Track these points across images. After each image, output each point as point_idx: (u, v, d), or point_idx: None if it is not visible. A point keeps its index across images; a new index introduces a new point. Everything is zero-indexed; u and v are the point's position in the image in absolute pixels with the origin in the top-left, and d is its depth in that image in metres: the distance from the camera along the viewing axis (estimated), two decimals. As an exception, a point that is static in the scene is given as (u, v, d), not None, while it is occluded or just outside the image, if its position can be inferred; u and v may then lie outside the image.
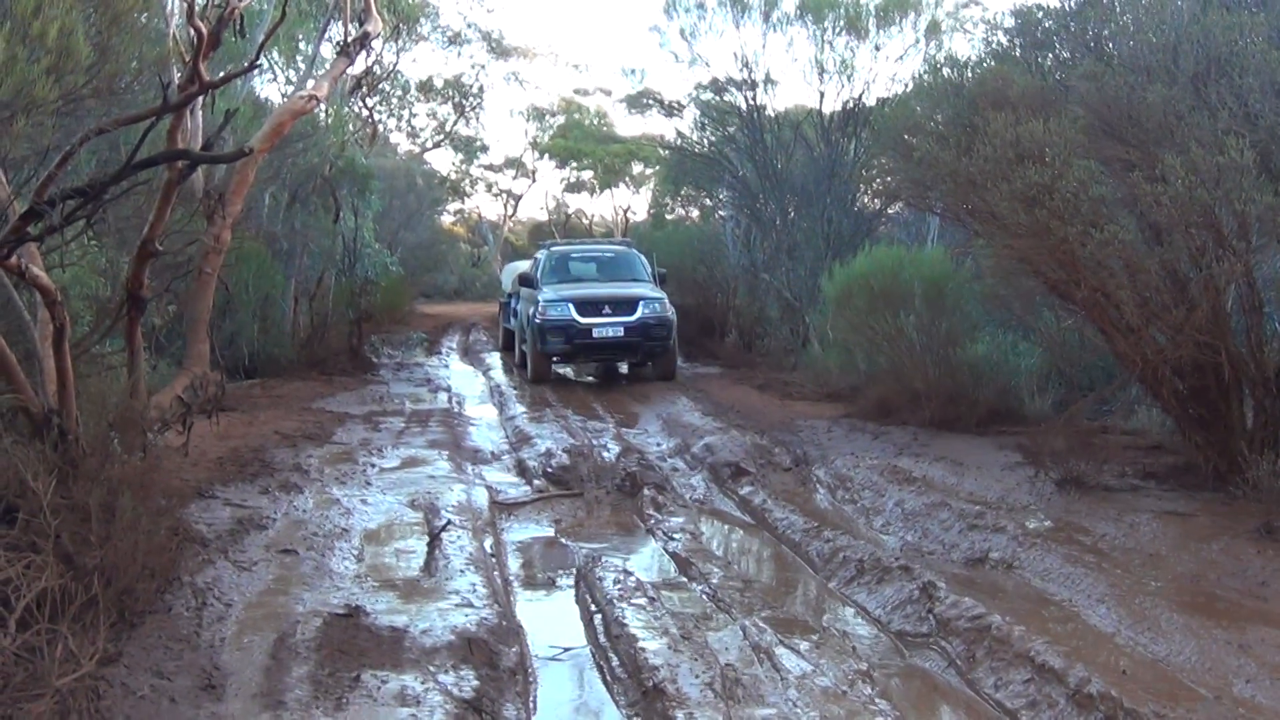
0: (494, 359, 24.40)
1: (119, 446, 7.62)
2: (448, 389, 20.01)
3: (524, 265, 26.61)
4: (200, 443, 11.60)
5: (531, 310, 20.40)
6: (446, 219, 43.50)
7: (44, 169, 7.20)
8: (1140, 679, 6.82)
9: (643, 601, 8.70)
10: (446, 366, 23.12)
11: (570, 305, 19.37)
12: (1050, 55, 11.68)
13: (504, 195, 47.61)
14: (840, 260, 17.94)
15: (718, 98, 23.31)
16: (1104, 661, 7.15)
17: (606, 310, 19.42)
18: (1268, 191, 9.12)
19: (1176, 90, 9.84)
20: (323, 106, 16.51)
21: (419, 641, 7.55)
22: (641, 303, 19.69)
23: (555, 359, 20.81)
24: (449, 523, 10.50)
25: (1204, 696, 6.54)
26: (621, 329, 19.32)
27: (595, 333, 19.26)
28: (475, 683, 7.03)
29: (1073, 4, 11.47)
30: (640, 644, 7.73)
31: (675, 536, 10.90)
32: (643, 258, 22.13)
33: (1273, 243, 9.78)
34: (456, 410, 17.65)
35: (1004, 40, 12.44)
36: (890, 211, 22.30)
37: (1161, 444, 11.95)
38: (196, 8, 7.67)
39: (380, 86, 27.19)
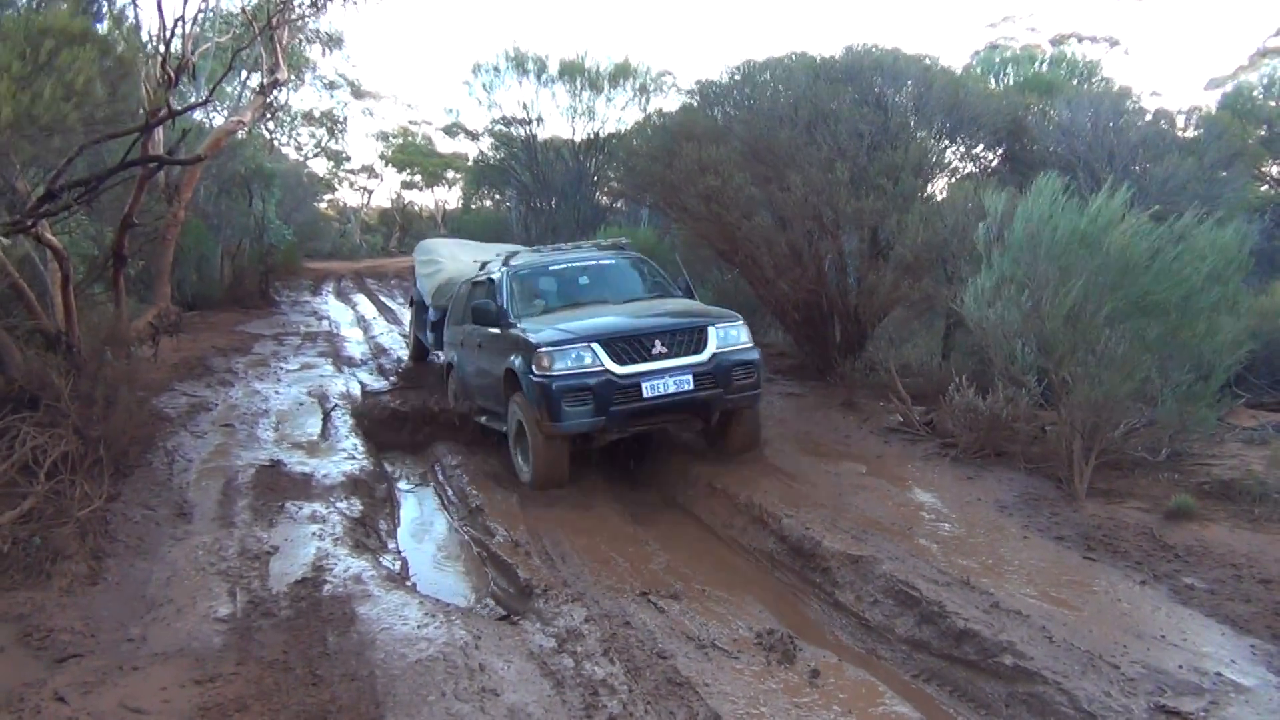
0: (359, 298, 23.71)
1: (111, 356, 7.35)
2: (328, 318, 19.33)
3: (444, 257, 12.82)
4: (163, 354, 11.12)
5: (515, 361, 7.95)
6: (322, 206, 42.07)
7: (46, 168, 6.91)
8: (781, 496, 6.99)
9: (463, 458, 8.77)
10: (326, 303, 22.32)
11: (596, 347, 7.59)
12: (719, 108, 11.97)
13: (361, 190, 46.50)
14: (587, 235, 18.01)
15: (506, 129, 23.05)
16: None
17: (659, 348, 7.72)
18: (852, 199, 9.63)
19: (797, 132, 10.26)
20: (243, 128, 15.81)
21: (321, 482, 7.54)
22: (713, 329, 7.95)
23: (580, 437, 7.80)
24: (336, 405, 10.38)
25: (824, 506, 6.82)
26: (689, 377, 7.70)
27: (647, 388, 7.61)
28: (360, 507, 7.09)
29: (735, 77, 11.77)
30: (465, 483, 7.87)
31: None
32: (652, 264, 9.80)
33: (854, 230, 10.29)
34: (335, 332, 17.12)
35: (690, 99, 12.72)
36: (617, 205, 22.39)
37: (785, 352, 12.37)
38: (168, 57, 7.35)
39: (278, 115, 26.12)
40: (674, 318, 7.93)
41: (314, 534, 6.34)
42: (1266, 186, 14.44)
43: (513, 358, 7.87)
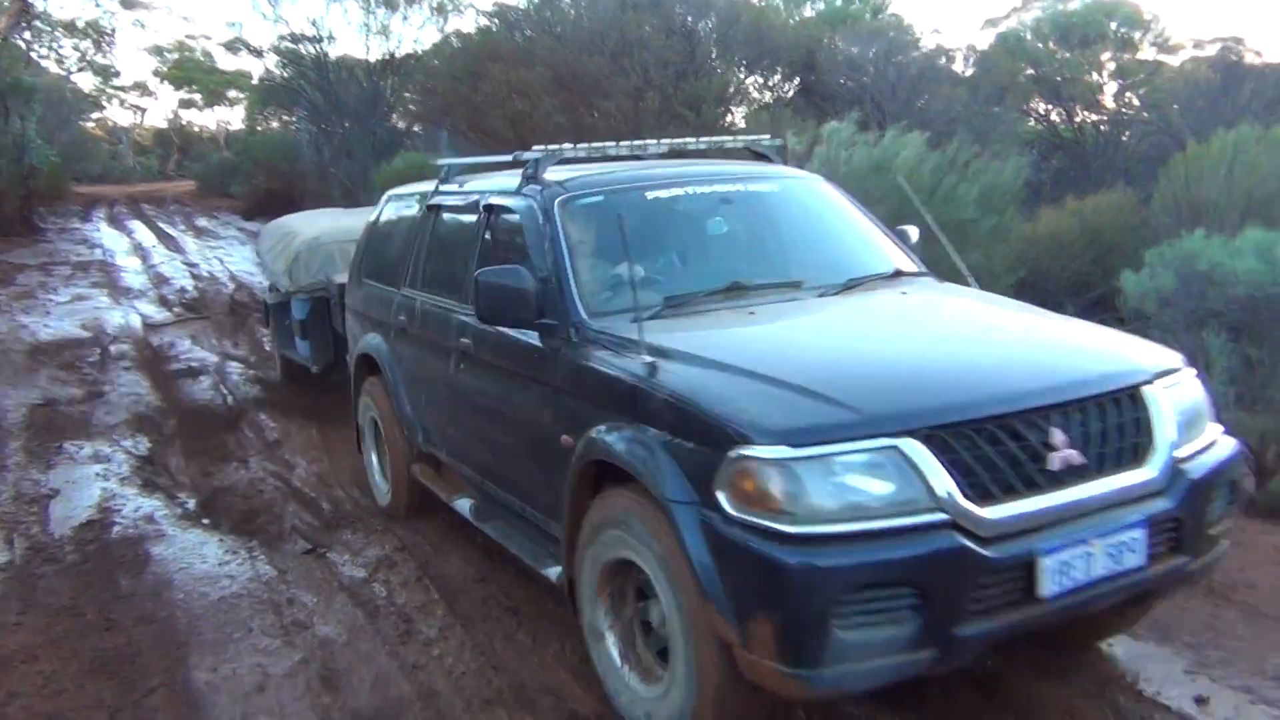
0: (136, 224, 22.04)
1: None
2: (101, 246, 17.99)
3: (297, 225, 7.99)
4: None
5: (662, 468, 2.65)
6: (90, 125, 38.88)
7: None
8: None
9: (257, 388, 8.44)
10: (99, 230, 20.70)
11: (917, 448, 2.38)
12: (520, 33, 11.78)
13: (134, 109, 43.28)
14: (385, 160, 17.34)
15: (294, 46, 21.83)
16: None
17: (1064, 449, 2.52)
18: (669, 125, 9.74)
19: (603, 61, 10.26)
20: (-2, 37, 14.38)
21: (104, 420, 7.14)
22: (1154, 393, 2.76)
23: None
24: (114, 339, 9.74)
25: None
26: (1141, 531, 2.52)
27: (1051, 573, 2.44)
28: (149, 445, 6.74)
29: (535, 3, 11.59)
30: (260, 415, 7.59)
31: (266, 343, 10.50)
32: (848, 199, 4.17)
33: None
34: (110, 261, 15.96)
35: (489, 22, 12.48)
36: (415, 129, 21.68)
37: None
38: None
39: (36, 24, 23.79)
40: (1042, 346, 3.24)
41: (98, 474, 6.00)
42: (1034, 122, 15.50)
43: (625, 445, 2.98)
